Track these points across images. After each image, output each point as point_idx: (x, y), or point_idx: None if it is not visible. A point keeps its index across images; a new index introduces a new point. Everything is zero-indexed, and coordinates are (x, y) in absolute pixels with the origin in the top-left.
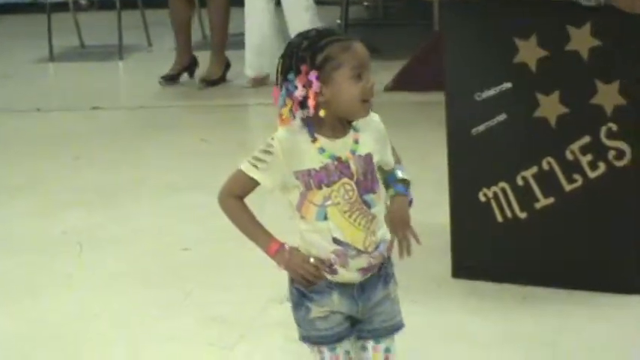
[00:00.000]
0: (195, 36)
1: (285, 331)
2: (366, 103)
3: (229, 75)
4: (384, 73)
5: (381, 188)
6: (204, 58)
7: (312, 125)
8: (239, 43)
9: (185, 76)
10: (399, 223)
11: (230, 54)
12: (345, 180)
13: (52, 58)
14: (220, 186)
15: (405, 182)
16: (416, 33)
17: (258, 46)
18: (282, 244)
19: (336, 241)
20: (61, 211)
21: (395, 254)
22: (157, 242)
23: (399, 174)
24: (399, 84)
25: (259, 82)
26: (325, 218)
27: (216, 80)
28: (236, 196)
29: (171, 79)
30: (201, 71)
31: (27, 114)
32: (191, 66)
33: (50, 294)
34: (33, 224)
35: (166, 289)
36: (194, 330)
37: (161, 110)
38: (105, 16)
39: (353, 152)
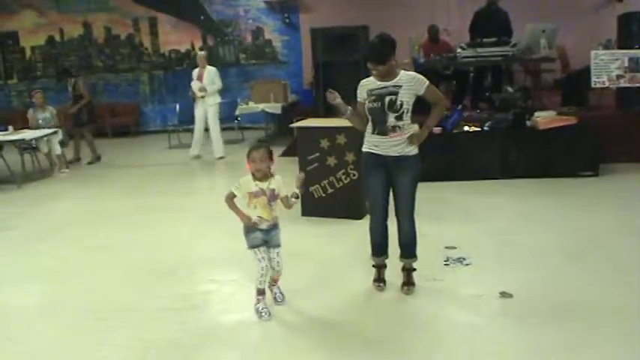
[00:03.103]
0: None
1: (246, 250)
2: (257, 172)
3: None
4: (278, 149)
5: (278, 201)
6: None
7: (254, 175)
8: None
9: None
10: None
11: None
12: (264, 196)
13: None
14: (224, 193)
15: (294, 193)
16: (289, 136)
17: (195, 142)
18: (245, 215)
19: (258, 216)
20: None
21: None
22: (200, 208)
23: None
24: (286, 153)
25: (196, 157)
26: (255, 208)
27: (91, 162)
28: (230, 198)
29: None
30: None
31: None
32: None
33: (168, 225)
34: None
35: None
36: (217, 235)
37: (177, 166)
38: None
39: (267, 187)
